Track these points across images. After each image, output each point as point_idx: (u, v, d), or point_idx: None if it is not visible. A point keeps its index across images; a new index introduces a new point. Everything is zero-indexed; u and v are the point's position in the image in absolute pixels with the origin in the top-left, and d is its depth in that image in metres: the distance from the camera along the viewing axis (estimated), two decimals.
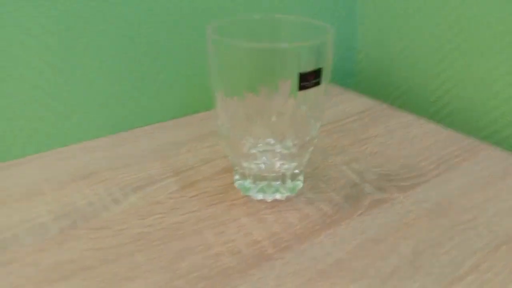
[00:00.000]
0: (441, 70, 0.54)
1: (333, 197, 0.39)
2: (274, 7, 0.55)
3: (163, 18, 0.48)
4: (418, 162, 0.44)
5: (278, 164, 0.35)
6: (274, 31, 0.38)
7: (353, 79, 0.69)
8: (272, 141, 0.34)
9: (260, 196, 0.38)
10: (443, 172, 0.42)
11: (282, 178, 0.37)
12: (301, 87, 0.32)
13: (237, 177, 0.39)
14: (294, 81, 0.31)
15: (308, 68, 0.31)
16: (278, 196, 0.38)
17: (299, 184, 0.39)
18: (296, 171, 0.37)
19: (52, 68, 0.44)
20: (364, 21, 0.64)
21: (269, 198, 0.38)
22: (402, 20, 0.57)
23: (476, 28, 0.48)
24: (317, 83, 0.32)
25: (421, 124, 0.51)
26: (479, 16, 0.48)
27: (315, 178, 0.41)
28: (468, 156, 0.45)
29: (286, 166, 0.36)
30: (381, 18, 0.60)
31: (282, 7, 0.56)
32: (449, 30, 0.52)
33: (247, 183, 0.38)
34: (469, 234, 0.34)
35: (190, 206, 0.37)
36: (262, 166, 0.35)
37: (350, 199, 0.38)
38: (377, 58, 0.63)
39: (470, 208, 0.37)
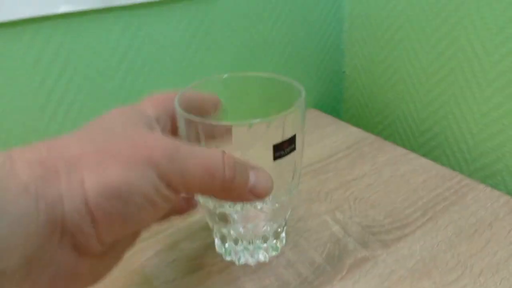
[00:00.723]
0: (430, 99, 0.53)
1: (314, 258, 0.38)
2: (261, 38, 0.54)
3: None
4: (404, 209, 0.43)
5: (261, 225, 0.35)
6: (245, 90, 0.37)
7: (342, 105, 0.68)
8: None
9: (242, 260, 0.37)
10: (429, 221, 0.41)
11: (264, 238, 0.36)
12: (276, 157, 0.30)
13: (216, 240, 0.38)
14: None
15: (281, 138, 0.30)
16: (261, 257, 0.37)
17: (282, 241, 0.38)
18: (279, 229, 0.37)
19: None
20: (351, 47, 0.62)
21: (252, 261, 0.37)
22: (388, 48, 0.56)
23: (466, 58, 0.47)
24: (292, 149, 0.31)
25: (410, 160, 0.50)
26: (468, 46, 0.46)
27: (297, 233, 0.41)
28: (456, 199, 0.43)
29: (268, 227, 0.35)
30: (368, 45, 0.59)
31: (272, 35, 0.55)
32: (437, 60, 0.50)
33: (228, 246, 0.37)
34: None
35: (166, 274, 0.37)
36: (241, 230, 0.35)
37: (331, 260, 0.38)
38: (365, 85, 0.62)
39: (454, 266, 0.36)
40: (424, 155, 0.56)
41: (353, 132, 0.56)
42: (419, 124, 0.55)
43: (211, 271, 0.37)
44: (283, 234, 0.38)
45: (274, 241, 0.37)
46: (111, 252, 0.25)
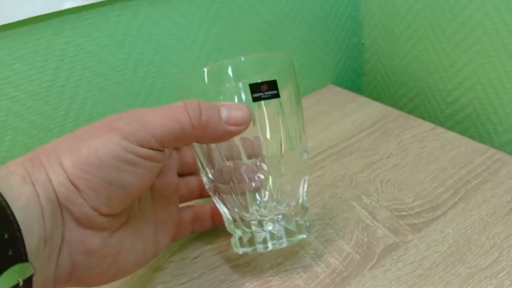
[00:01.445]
0: (456, 70, 0.50)
1: (342, 247, 0.37)
2: (275, 18, 0.52)
3: None
4: (433, 189, 0.41)
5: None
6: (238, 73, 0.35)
7: (363, 79, 0.65)
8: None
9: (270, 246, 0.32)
10: (461, 201, 0.39)
11: (287, 217, 0.33)
12: (255, 99, 0.30)
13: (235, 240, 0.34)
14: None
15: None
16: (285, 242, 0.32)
17: (306, 223, 0.34)
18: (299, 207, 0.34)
19: None
20: (370, 18, 0.59)
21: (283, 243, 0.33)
22: (409, 18, 0.53)
23: (493, 25, 0.44)
24: (275, 96, 0.30)
25: (437, 135, 0.48)
26: (494, 12, 0.43)
27: (323, 221, 0.39)
28: (488, 176, 0.41)
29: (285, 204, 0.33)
30: (387, 15, 0.56)
31: (286, 13, 0.53)
32: (462, 29, 0.47)
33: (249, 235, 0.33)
34: (489, 285, 0.32)
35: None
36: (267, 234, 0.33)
37: (360, 248, 0.36)
38: (386, 57, 0.59)
39: (490, 249, 0.35)
40: (452, 127, 0.54)
41: (375, 108, 0.54)
42: (445, 95, 0.53)
43: (237, 264, 0.36)
44: (305, 216, 0.35)
45: (299, 219, 0.33)
46: (121, 227, 0.29)
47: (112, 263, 0.28)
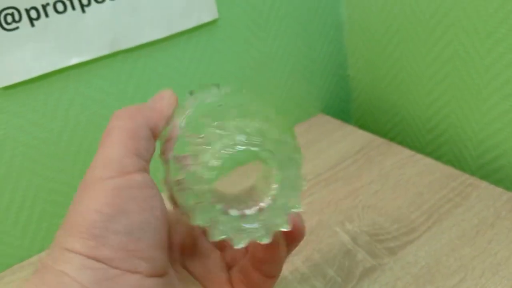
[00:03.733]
0: (432, 100, 0.54)
1: (326, 271, 0.41)
2: (263, 55, 0.57)
3: None
4: (410, 213, 0.45)
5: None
6: None
7: (351, 107, 0.70)
8: None
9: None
10: (434, 224, 0.43)
11: None
12: None
13: None
14: None
15: None
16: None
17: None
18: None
19: None
20: (353, 52, 0.64)
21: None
22: (388, 51, 0.57)
23: (461, 61, 0.48)
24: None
25: (416, 161, 0.52)
26: (461, 50, 0.48)
27: (310, 246, 0.43)
28: (460, 200, 0.45)
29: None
30: (368, 49, 0.60)
31: (273, 51, 0.57)
32: (434, 63, 0.52)
33: None
34: None
35: None
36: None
37: (342, 271, 0.40)
38: (370, 87, 0.63)
39: (457, 269, 0.38)
40: (432, 152, 0.58)
41: (360, 136, 0.59)
42: (425, 122, 0.57)
43: None
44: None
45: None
46: (176, 272, 0.26)
47: None
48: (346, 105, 0.70)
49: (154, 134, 0.25)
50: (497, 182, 0.51)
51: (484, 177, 0.52)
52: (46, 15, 0.41)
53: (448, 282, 0.38)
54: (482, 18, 0.44)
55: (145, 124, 0.25)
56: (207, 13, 0.50)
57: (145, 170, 0.24)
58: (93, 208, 0.21)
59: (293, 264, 0.42)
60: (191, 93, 0.27)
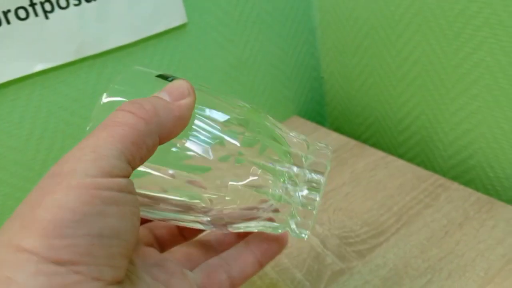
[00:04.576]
0: (403, 101, 0.54)
1: (295, 275, 0.41)
2: (235, 59, 0.56)
3: None
4: (380, 216, 0.45)
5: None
6: None
7: (326, 109, 0.70)
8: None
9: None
10: (403, 226, 0.43)
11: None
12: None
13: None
14: None
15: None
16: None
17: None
18: None
19: None
20: (326, 55, 0.64)
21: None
22: (359, 54, 0.57)
23: (430, 62, 0.48)
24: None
25: (387, 163, 0.52)
26: (430, 51, 0.48)
27: None
28: (430, 201, 0.46)
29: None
30: (341, 52, 0.61)
31: (246, 55, 0.57)
32: (404, 64, 0.52)
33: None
34: None
35: None
36: None
37: (311, 275, 0.40)
38: (343, 90, 0.63)
39: (424, 271, 0.39)
40: (405, 153, 0.58)
41: (334, 138, 0.59)
42: (396, 124, 0.57)
43: None
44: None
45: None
46: (134, 278, 0.24)
47: None
48: (321, 108, 0.70)
49: (161, 141, 0.23)
50: (468, 183, 0.51)
51: (455, 177, 0.53)
52: (8, 22, 0.41)
53: (415, 284, 0.38)
54: (448, 19, 0.45)
55: (157, 132, 0.23)
56: (176, 18, 0.50)
57: (130, 175, 0.22)
58: (66, 204, 0.19)
59: (262, 269, 0.41)
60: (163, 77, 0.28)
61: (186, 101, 0.24)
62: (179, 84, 0.25)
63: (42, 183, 0.20)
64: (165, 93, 0.24)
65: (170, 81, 0.26)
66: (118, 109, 0.22)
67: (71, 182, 0.19)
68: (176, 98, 0.24)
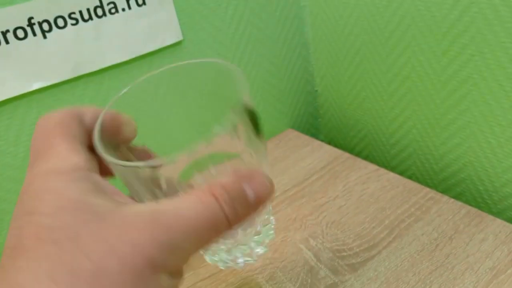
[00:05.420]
0: (394, 115, 0.55)
1: None
2: (230, 58, 0.57)
3: None
4: (372, 229, 0.46)
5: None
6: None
7: (320, 122, 0.71)
8: None
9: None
10: (395, 239, 0.44)
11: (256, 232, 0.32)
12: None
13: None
14: None
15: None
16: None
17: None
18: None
19: None
20: (319, 69, 0.65)
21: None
22: (351, 69, 0.59)
23: (419, 78, 0.50)
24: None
25: (379, 176, 0.53)
26: (419, 67, 0.49)
27: (274, 265, 0.44)
28: (420, 214, 0.46)
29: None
30: (333, 66, 0.62)
31: (239, 55, 0.58)
32: (394, 80, 0.53)
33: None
34: None
35: None
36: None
37: None
38: (337, 103, 0.65)
39: (415, 285, 0.39)
40: (397, 166, 0.59)
41: (327, 151, 0.60)
42: (388, 137, 0.58)
43: None
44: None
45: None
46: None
47: None
48: (315, 121, 0.71)
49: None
50: (458, 195, 0.52)
51: (446, 190, 0.53)
52: (7, 41, 0.42)
53: None
54: (436, 37, 0.46)
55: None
56: (172, 35, 0.51)
57: None
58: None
59: (257, 283, 0.42)
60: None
61: (261, 207, 0.23)
62: (264, 186, 0.22)
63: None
64: (251, 190, 0.22)
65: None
66: (207, 190, 0.21)
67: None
68: (258, 201, 0.22)
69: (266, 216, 0.33)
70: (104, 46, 0.47)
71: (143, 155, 0.29)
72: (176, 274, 0.20)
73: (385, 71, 0.54)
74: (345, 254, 0.44)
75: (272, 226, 0.34)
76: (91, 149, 0.24)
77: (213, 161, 0.26)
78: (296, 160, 0.59)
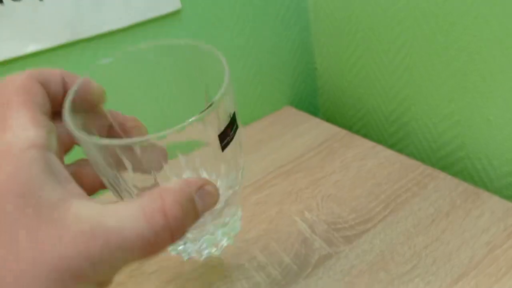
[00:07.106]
0: (394, 93, 0.55)
1: (282, 259, 0.41)
2: (228, 44, 0.57)
3: None
4: (368, 203, 0.46)
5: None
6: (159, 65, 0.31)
7: (319, 100, 0.70)
8: None
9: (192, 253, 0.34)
10: (391, 214, 0.44)
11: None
12: (224, 147, 0.26)
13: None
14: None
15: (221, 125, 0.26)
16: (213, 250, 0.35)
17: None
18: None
19: None
20: (319, 46, 0.64)
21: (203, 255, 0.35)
22: (352, 46, 0.58)
23: (419, 56, 0.49)
24: (236, 129, 0.27)
25: (377, 153, 0.52)
26: (418, 47, 0.48)
27: (268, 236, 0.44)
28: (417, 190, 0.46)
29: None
30: (334, 43, 0.61)
31: (239, 41, 0.58)
32: (395, 58, 0.52)
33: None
34: None
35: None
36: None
37: (298, 259, 0.41)
38: (336, 81, 0.64)
39: (410, 257, 0.39)
40: (395, 144, 0.59)
41: (325, 128, 0.59)
42: (388, 115, 0.58)
43: (189, 278, 0.41)
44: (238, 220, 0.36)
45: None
46: None
47: None
48: (314, 99, 0.70)
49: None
50: (456, 174, 0.52)
51: (444, 168, 0.53)
52: (1, 2, 0.41)
53: (401, 269, 0.38)
54: (437, 19, 0.45)
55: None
56: (170, 4, 0.50)
57: None
58: None
59: (251, 253, 0.42)
60: None
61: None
62: (212, 197, 0.24)
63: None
64: (200, 202, 0.23)
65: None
66: (159, 201, 0.21)
67: None
68: (204, 210, 0.23)
69: (234, 208, 0.34)
70: (101, 10, 0.46)
71: (129, 129, 0.29)
72: (105, 283, 0.20)
73: (386, 49, 0.53)
74: (340, 226, 0.44)
75: (239, 219, 0.36)
76: (55, 114, 0.23)
77: (182, 149, 0.27)
78: (293, 137, 0.59)
